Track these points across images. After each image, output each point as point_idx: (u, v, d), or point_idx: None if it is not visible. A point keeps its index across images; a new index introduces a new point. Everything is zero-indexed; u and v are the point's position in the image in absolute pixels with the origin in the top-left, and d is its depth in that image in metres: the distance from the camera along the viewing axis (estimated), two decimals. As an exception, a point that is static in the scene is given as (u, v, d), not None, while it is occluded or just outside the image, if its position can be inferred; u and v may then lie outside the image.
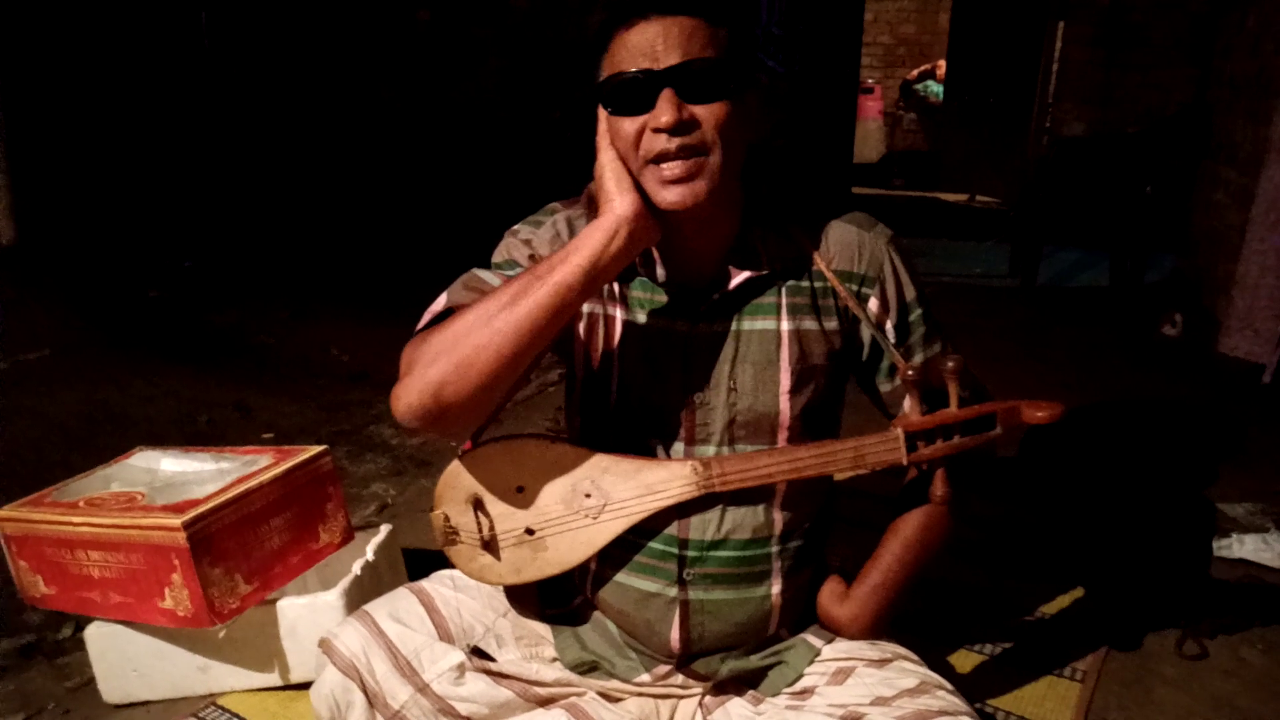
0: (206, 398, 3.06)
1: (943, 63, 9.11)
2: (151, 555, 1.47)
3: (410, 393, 1.05)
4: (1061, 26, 5.80)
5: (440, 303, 1.14)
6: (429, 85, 5.06)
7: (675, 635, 1.19)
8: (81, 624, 1.69)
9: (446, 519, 1.23)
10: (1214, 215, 3.99)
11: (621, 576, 1.21)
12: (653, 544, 1.18)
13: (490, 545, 1.21)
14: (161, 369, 3.23)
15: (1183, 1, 5.19)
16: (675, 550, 1.17)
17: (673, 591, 1.18)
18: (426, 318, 1.13)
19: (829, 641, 1.26)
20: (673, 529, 1.17)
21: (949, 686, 1.14)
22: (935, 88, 9.25)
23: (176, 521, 1.42)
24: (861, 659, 1.20)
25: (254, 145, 4.65)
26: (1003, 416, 1.08)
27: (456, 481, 1.22)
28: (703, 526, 1.17)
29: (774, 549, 1.20)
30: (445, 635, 1.23)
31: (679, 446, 1.18)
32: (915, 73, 9.57)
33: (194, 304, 3.90)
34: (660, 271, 1.16)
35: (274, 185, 4.68)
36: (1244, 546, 2.16)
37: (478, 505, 1.21)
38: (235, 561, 1.51)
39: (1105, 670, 1.74)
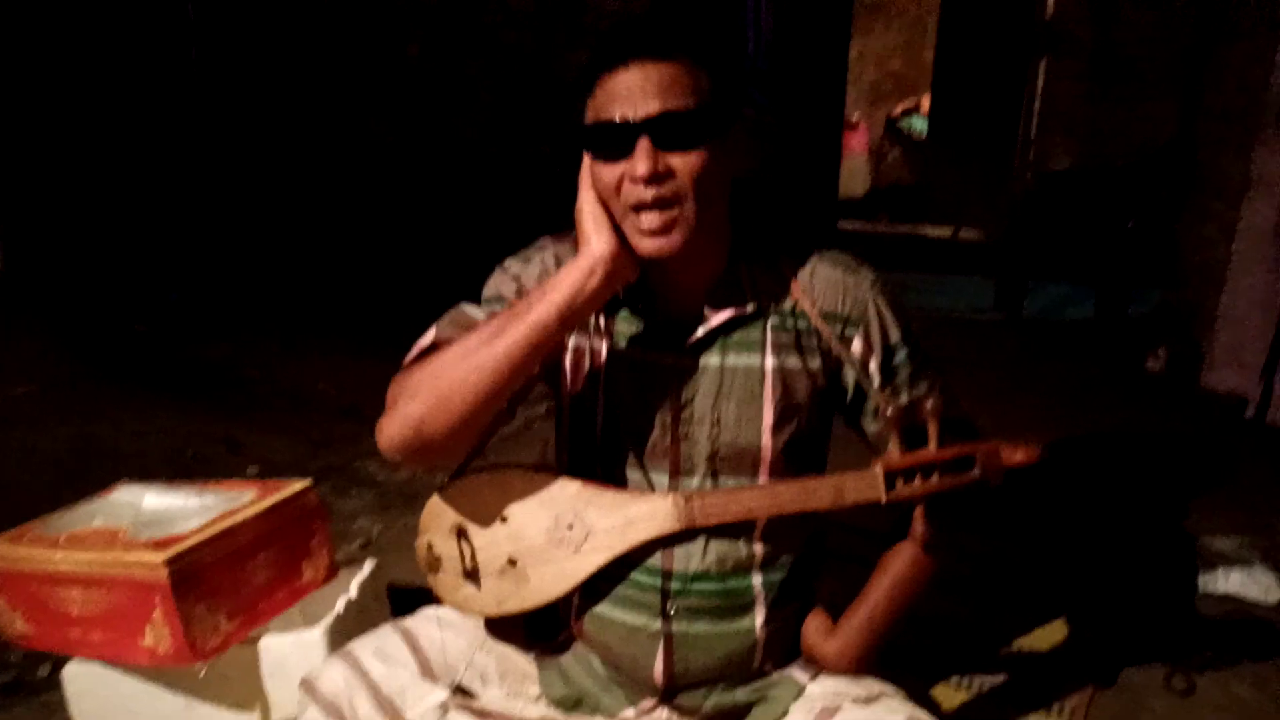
0: (194, 431, 3.05)
1: (926, 98, 9.21)
2: (133, 592, 1.45)
3: (392, 426, 1.09)
4: (1045, 62, 5.89)
5: (428, 337, 1.17)
6: (419, 119, 5.09)
7: (660, 669, 1.19)
8: (59, 663, 1.66)
9: (430, 548, 1.25)
10: (1200, 249, 4.02)
11: (605, 609, 1.21)
12: (636, 576, 1.18)
13: (473, 575, 1.22)
14: (149, 403, 3.21)
15: (1168, 36, 5.26)
16: (658, 583, 1.17)
17: (656, 624, 1.18)
18: (414, 352, 1.16)
19: (814, 677, 1.25)
20: (656, 561, 1.17)
21: None
22: (919, 123, 9.34)
23: (159, 558, 1.41)
24: (848, 696, 1.19)
25: (243, 177, 4.66)
26: (982, 458, 1.09)
27: (441, 510, 1.24)
28: (686, 558, 1.17)
29: (757, 581, 1.20)
30: (429, 673, 1.21)
31: (663, 478, 1.19)
32: (899, 109, 9.67)
33: (181, 337, 3.89)
34: (644, 306, 1.18)
35: (263, 218, 4.68)
36: (1230, 580, 2.16)
37: (461, 534, 1.22)
38: (218, 598, 1.49)
39: (1093, 707, 1.74)
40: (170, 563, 1.41)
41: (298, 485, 1.69)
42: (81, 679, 1.58)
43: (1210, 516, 2.54)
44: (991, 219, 6.98)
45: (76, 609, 1.52)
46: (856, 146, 9.41)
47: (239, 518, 1.55)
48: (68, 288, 3.82)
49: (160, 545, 1.45)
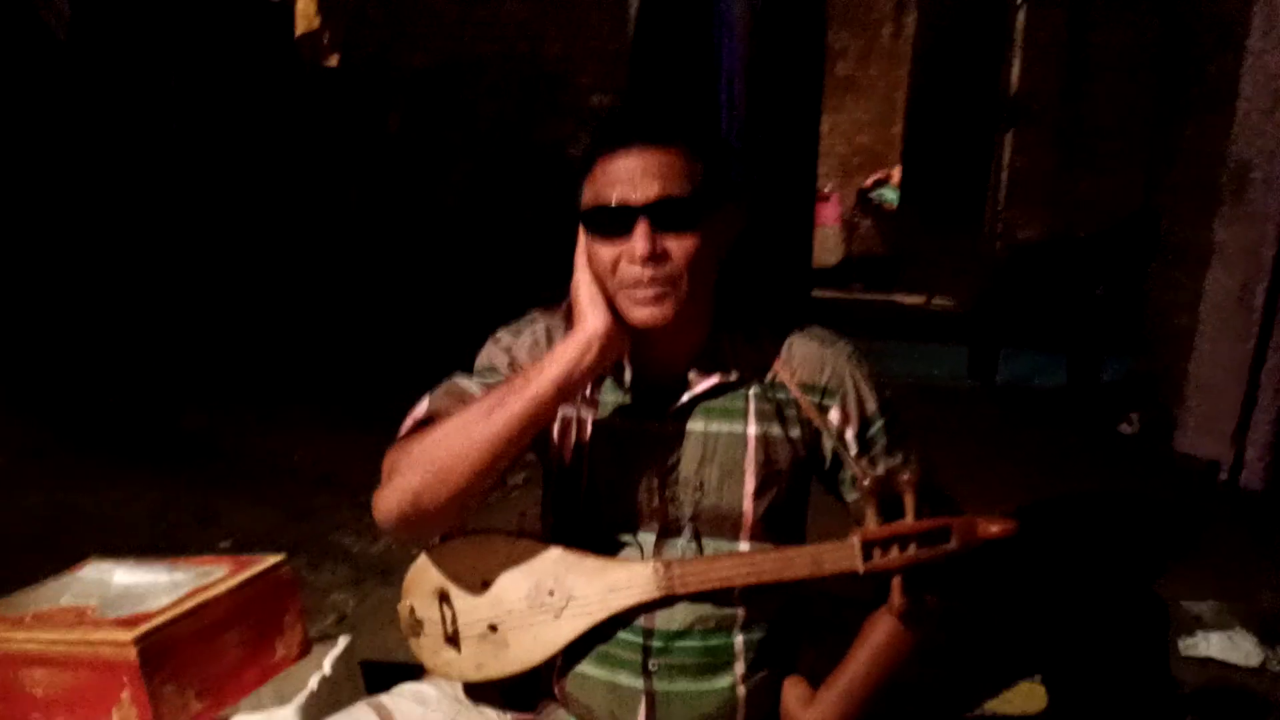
0: (167, 502, 3.01)
1: (897, 170, 9.42)
2: (100, 673, 1.41)
3: (390, 498, 1.12)
4: (1011, 135, 6.04)
5: (422, 409, 1.19)
6: (399, 189, 5.13)
7: None
8: (22, 748, 1.61)
9: (413, 611, 1.26)
10: (1167, 317, 4.09)
11: (587, 667, 1.21)
12: (618, 634, 1.19)
13: (454, 640, 1.23)
14: (122, 473, 3.18)
15: (1130, 111, 5.42)
16: (640, 640, 1.18)
17: (638, 682, 1.19)
18: (409, 423, 1.19)
19: None
20: (638, 619, 1.18)
21: None
22: (890, 194, 9.53)
23: (127, 636, 1.38)
24: None
25: (221, 248, 4.67)
26: (958, 530, 1.11)
27: (424, 573, 1.26)
28: (667, 617, 1.18)
29: (737, 639, 1.21)
30: (402, 750, 1.19)
31: (647, 541, 1.21)
32: (871, 180, 9.87)
33: (155, 404, 3.85)
34: (629, 376, 1.21)
35: (241, 288, 4.68)
36: (1210, 645, 2.16)
37: (443, 598, 1.24)
38: (188, 678, 1.46)
39: (1078, 776, 1.72)
40: (139, 641, 1.38)
41: (271, 560, 1.66)
42: (44, 764, 1.53)
43: (1188, 581, 2.54)
44: (963, 287, 7.09)
45: (41, 690, 1.47)
46: (829, 217, 9.57)
47: (210, 594, 1.52)
48: (38, 357, 3.79)
49: (129, 623, 1.42)
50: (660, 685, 1.19)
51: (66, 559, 1.77)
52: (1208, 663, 2.12)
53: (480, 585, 1.22)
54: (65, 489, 2.96)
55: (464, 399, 1.17)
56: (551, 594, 1.19)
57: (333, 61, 4.91)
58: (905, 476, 1.11)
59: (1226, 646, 2.14)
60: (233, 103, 4.68)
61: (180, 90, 4.48)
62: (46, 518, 2.75)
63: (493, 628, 1.21)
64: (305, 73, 4.94)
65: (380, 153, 5.12)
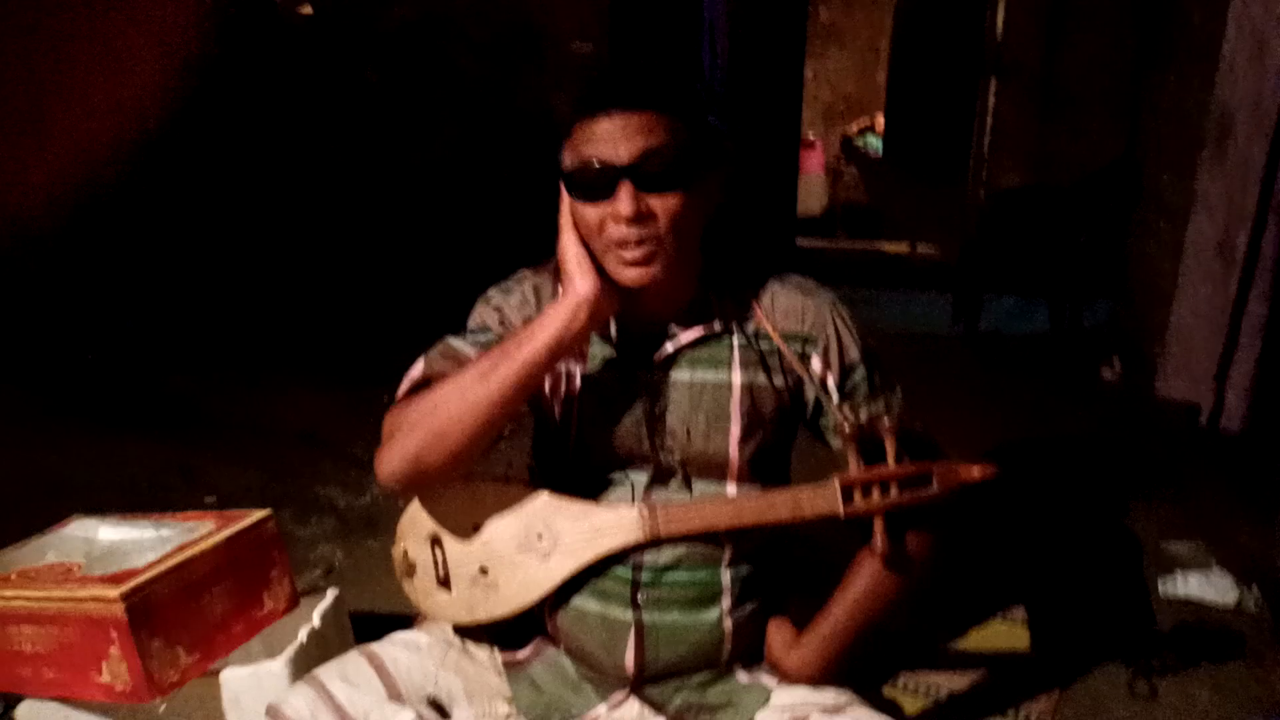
0: (150, 462, 3.00)
1: (881, 117, 9.35)
2: (88, 628, 1.42)
3: (391, 459, 1.15)
4: (994, 83, 6.00)
5: (418, 371, 1.23)
6: (381, 145, 5.05)
7: (630, 659, 1.23)
8: (12, 702, 1.62)
9: (406, 554, 1.31)
10: (1147, 264, 4.11)
11: (578, 602, 1.25)
12: (608, 568, 1.22)
13: (445, 582, 1.28)
14: (103, 434, 3.16)
15: (1112, 59, 5.38)
16: (629, 574, 1.22)
17: (627, 615, 1.22)
18: (405, 385, 1.22)
19: (781, 684, 1.28)
20: (628, 555, 1.22)
21: None
22: (875, 142, 9.48)
23: (114, 593, 1.38)
24: (815, 705, 1.22)
25: (198, 204, 4.60)
26: (939, 475, 1.13)
27: (417, 518, 1.30)
28: (656, 552, 1.22)
29: (724, 574, 1.25)
30: (395, 696, 1.22)
31: (639, 482, 1.24)
32: (855, 128, 9.81)
33: (136, 368, 3.83)
34: (616, 330, 1.24)
35: (220, 245, 4.62)
36: (1189, 584, 2.20)
37: (436, 542, 1.28)
38: (176, 632, 1.46)
39: (1058, 714, 1.75)
40: (127, 597, 1.38)
41: (256, 515, 1.66)
42: (36, 717, 1.54)
43: (1167, 522, 2.58)
44: (947, 235, 7.09)
45: (29, 647, 1.48)
46: (813, 165, 9.52)
47: (197, 549, 1.52)
48: (15, 318, 3.75)
49: (116, 580, 1.42)
50: (649, 617, 1.22)
51: (49, 521, 1.76)
52: (1186, 602, 2.16)
53: (471, 529, 1.26)
54: (46, 452, 2.94)
55: (459, 360, 1.20)
56: (540, 538, 1.22)
57: (306, 9, 4.81)
58: (886, 422, 1.14)
59: (1204, 586, 2.18)
60: (202, 56, 4.57)
61: (140, 38, 4.37)
62: (28, 480, 2.73)
63: (483, 570, 1.25)
64: (279, 24, 4.84)
65: (359, 108, 5.03)
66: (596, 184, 1.11)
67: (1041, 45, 5.82)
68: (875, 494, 1.12)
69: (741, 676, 1.30)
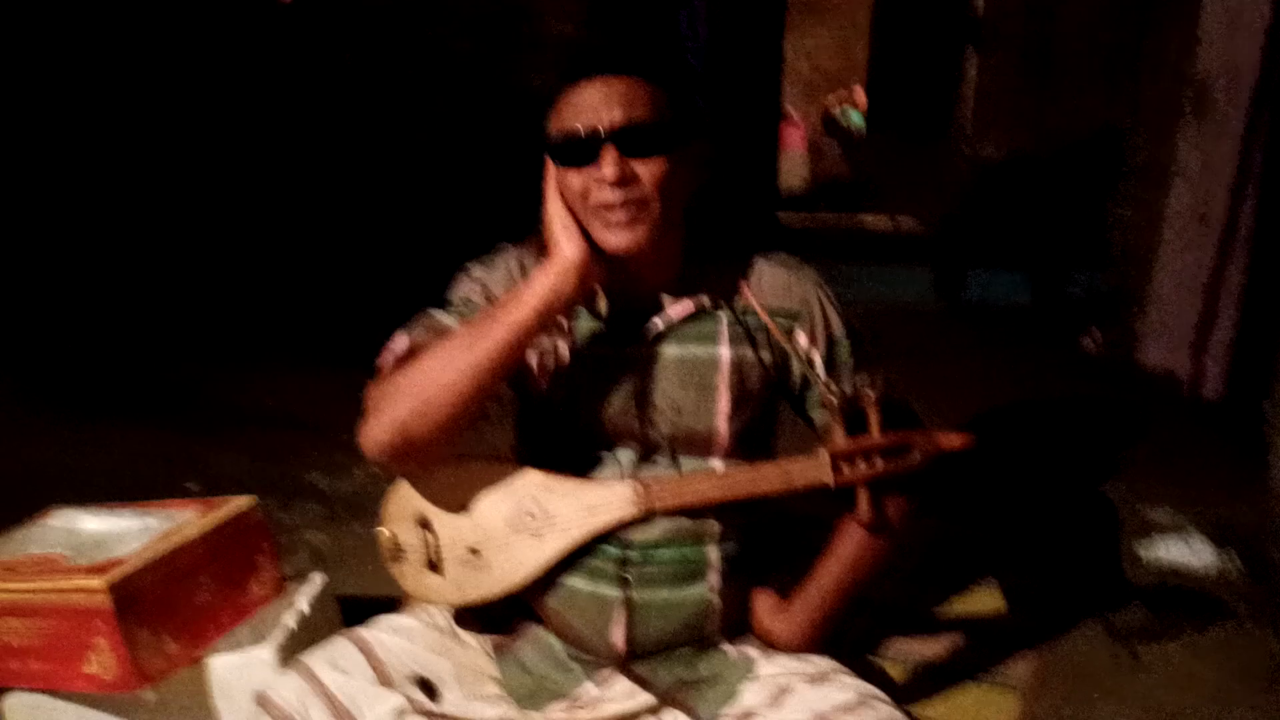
0: (131, 450, 2.98)
1: (861, 92, 9.34)
2: (74, 620, 1.41)
3: (377, 431, 1.14)
4: (976, 54, 5.99)
5: (401, 343, 1.21)
6: (365, 131, 5.00)
7: (619, 636, 1.24)
8: None
9: (393, 536, 1.29)
10: (1129, 233, 4.12)
11: (566, 581, 1.25)
12: (596, 548, 1.23)
13: (435, 564, 1.27)
14: (82, 422, 3.14)
15: (1095, 28, 5.39)
16: (618, 552, 1.22)
17: (615, 592, 1.23)
18: (388, 358, 1.21)
19: (766, 656, 1.29)
20: (616, 533, 1.22)
21: (885, 698, 1.18)
22: (855, 116, 9.47)
23: (99, 583, 1.37)
24: (799, 675, 1.23)
25: (181, 189, 4.55)
26: (919, 444, 1.16)
27: (405, 500, 1.29)
28: (644, 530, 1.22)
29: (711, 550, 1.26)
30: (384, 680, 1.21)
31: (626, 460, 1.25)
32: (836, 102, 9.79)
33: (115, 353, 3.79)
34: (603, 304, 1.25)
35: (199, 228, 4.58)
36: (1169, 550, 2.22)
37: (424, 524, 1.27)
38: (162, 621, 1.46)
39: (1040, 679, 1.77)
40: (112, 588, 1.37)
41: (240, 501, 1.66)
42: (24, 710, 1.54)
43: (1147, 488, 2.61)
44: (929, 209, 7.10)
45: (15, 640, 1.47)
46: (794, 141, 9.51)
47: (181, 537, 1.52)
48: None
49: (100, 570, 1.41)
50: (638, 594, 1.23)
51: (28, 511, 1.75)
52: (1166, 567, 2.18)
53: (461, 510, 1.26)
54: (22, 442, 2.92)
55: (442, 332, 1.20)
56: (532, 516, 1.23)
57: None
58: (870, 394, 1.17)
59: (1184, 551, 2.21)
60: (180, 37, 4.51)
61: (126, 22, 4.31)
62: (5, 472, 2.71)
63: (474, 551, 1.25)
64: (258, 5, 4.78)
65: (341, 88, 4.97)
66: (581, 150, 1.12)
67: (1025, 14, 5.82)
68: (861, 464, 1.15)
69: (727, 649, 1.31)
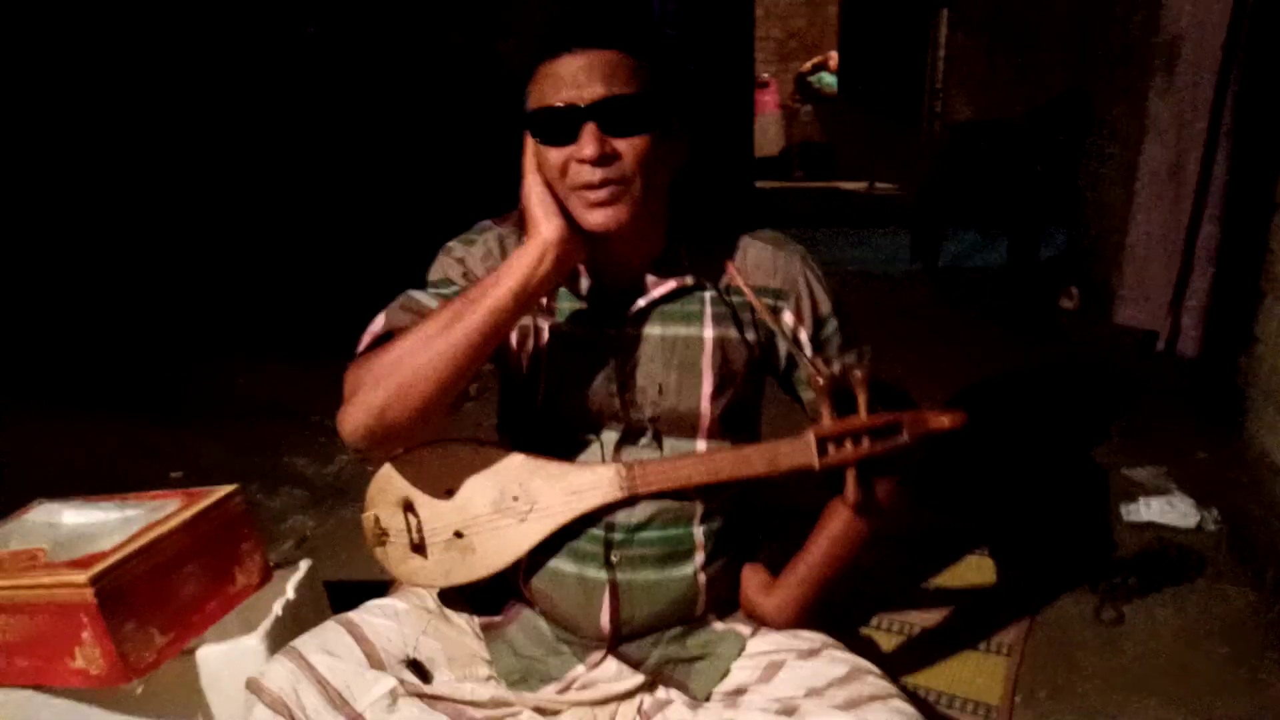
0: (111, 441, 2.95)
1: (834, 54, 9.29)
2: (58, 615, 1.40)
3: (356, 415, 1.12)
4: (946, 14, 5.97)
5: (379, 324, 1.19)
6: (336, 117, 4.93)
7: (606, 618, 1.24)
8: (-15, 692, 1.60)
9: (377, 520, 1.29)
10: (1101, 190, 4.14)
11: (553, 563, 1.25)
12: (580, 528, 1.22)
13: (420, 547, 1.26)
14: (60, 414, 3.10)
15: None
16: (602, 534, 1.22)
17: (602, 574, 1.23)
18: (366, 339, 1.19)
19: (756, 632, 1.30)
20: (601, 515, 1.22)
21: (877, 671, 1.19)
22: (829, 79, 9.42)
23: (83, 577, 1.36)
24: (791, 650, 1.24)
25: (155, 178, 4.47)
26: (908, 424, 1.14)
27: (388, 484, 1.27)
28: (629, 512, 1.22)
29: (697, 530, 1.25)
30: (375, 663, 1.21)
31: (609, 441, 1.24)
32: (809, 65, 9.74)
33: (92, 351, 3.73)
34: (585, 284, 1.23)
35: (178, 219, 4.51)
36: (1150, 509, 2.25)
37: (408, 507, 1.26)
38: (148, 614, 1.44)
39: (1029, 642, 1.79)
40: (96, 581, 1.36)
41: (224, 490, 1.64)
42: (11, 706, 1.53)
43: (1128, 448, 2.63)
44: (904, 172, 7.10)
45: (0, 637, 1.46)
46: (769, 104, 9.46)
47: (164, 529, 1.50)
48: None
49: (83, 564, 1.39)
50: (623, 576, 1.23)
51: (10, 507, 1.73)
52: (1148, 526, 2.21)
53: (445, 493, 1.24)
54: (4, 437, 2.88)
55: (421, 313, 1.17)
56: (516, 499, 1.22)
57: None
58: (858, 374, 1.14)
59: (1165, 510, 2.23)
60: (156, 29, 4.42)
61: (100, 13, 4.22)
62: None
63: (459, 534, 1.24)
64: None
65: (307, 67, 4.88)
66: (559, 126, 1.08)
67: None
68: (848, 445, 1.13)
69: (718, 626, 1.31)
